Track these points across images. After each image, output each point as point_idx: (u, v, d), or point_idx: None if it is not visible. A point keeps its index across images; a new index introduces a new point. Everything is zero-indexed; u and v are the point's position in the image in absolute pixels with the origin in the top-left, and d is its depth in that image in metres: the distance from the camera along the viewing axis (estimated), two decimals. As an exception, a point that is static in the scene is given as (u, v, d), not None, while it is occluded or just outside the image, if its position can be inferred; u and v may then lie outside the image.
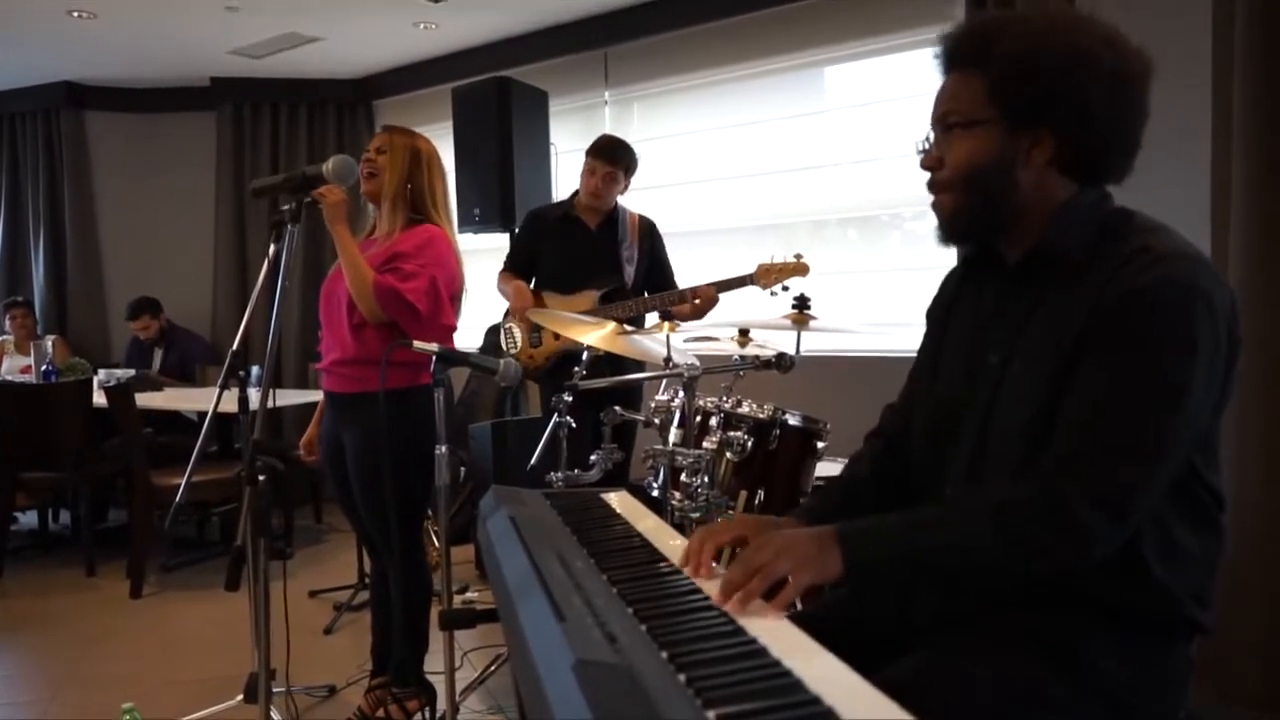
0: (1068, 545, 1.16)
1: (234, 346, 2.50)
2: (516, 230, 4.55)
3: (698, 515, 2.12)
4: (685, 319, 3.62)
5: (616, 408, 2.62)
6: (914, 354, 1.56)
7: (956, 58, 1.32)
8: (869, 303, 4.25)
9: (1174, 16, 2.92)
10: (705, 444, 2.26)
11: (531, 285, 3.74)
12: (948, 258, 1.58)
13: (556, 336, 3.65)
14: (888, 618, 1.41)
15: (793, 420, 2.43)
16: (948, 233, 1.37)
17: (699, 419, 2.38)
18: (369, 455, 2.55)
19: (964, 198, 1.31)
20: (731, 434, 2.30)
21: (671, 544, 1.50)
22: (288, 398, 4.92)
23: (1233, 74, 2.51)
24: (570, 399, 2.71)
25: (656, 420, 2.43)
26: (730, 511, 2.15)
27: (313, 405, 4.54)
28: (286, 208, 2.11)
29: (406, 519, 2.65)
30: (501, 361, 2.02)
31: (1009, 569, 1.19)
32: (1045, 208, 1.30)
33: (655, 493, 2.69)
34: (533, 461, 2.89)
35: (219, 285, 6.44)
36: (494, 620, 1.73)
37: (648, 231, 3.82)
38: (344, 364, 2.65)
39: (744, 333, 3.20)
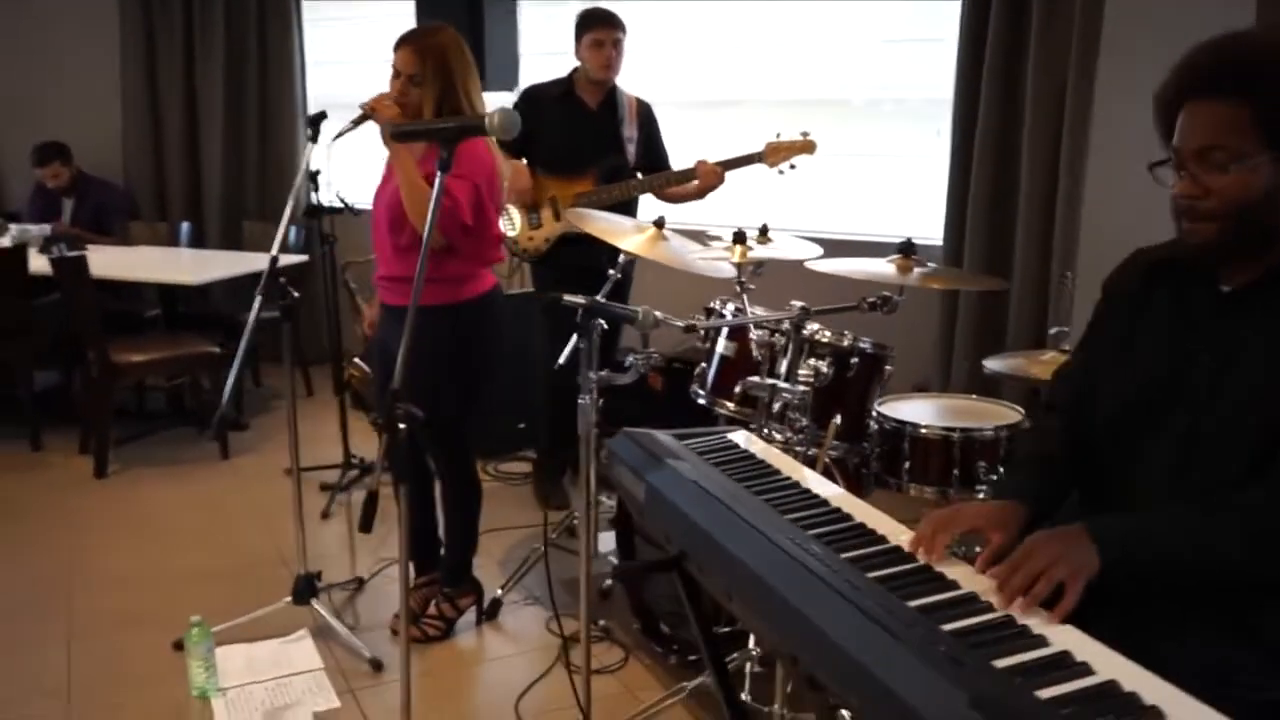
0: None
1: (274, 260, 2.44)
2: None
3: (802, 449, 2.22)
4: (688, 198, 3.61)
5: (657, 313, 2.62)
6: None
7: (1219, 86, 1.31)
8: (877, 189, 4.27)
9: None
10: (802, 373, 2.32)
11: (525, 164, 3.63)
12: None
13: (557, 217, 3.60)
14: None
15: (867, 347, 2.53)
16: (1202, 259, 1.41)
17: (771, 344, 2.44)
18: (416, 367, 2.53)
19: (1230, 230, 1.34)
20: (817, 363, 2.38)
21: (861, 508, 1.58)
22: (216, 267, 4.65)
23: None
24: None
25: (759, 355, 2.47)
26: (821, 439, 2.26)
27: (242, 275, 4.36)
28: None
29: (449, 427, 2.65)
30: (640, 310, 2.00)
31: (1247, 572, 1.34)
32: None
33: (702, 401, 2.78)
34: (560, 361, 2.89)
35: (129, 128, 5.89)
36: (666, 570, 1.80)
37: (645, 114, 3.74)
38: (393, 280, 2.63)
39: (764, 231, 3.23)
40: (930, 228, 3.96)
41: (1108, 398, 1.57)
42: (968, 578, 1.35)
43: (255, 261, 4.70)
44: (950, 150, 3.86)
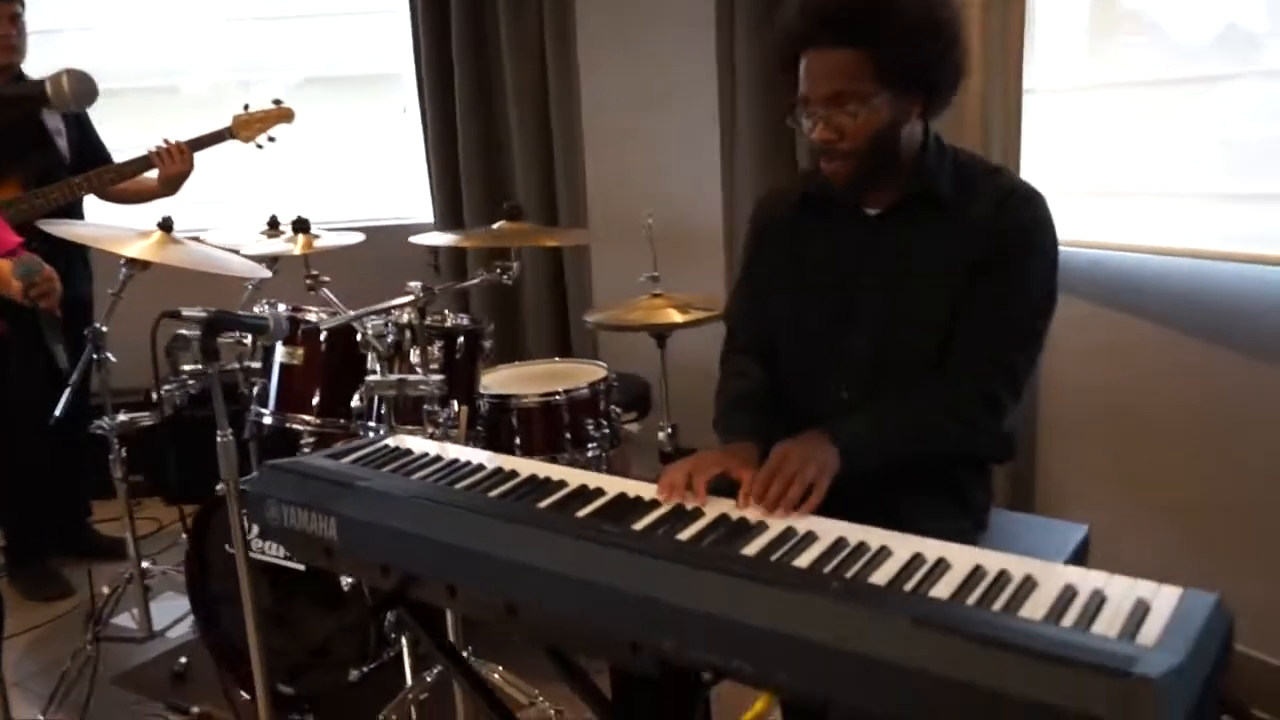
0: (991, 425, 1.55)
1: None
2: None
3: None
4: (150, 195, 3.06)
5: (283, 312, 2.15)
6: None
7: (840, 36, 1.43)
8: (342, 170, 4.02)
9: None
10: (425, 366, 2.07)
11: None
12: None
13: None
14: None
15: (468, 323, 2.36)
16: (850, 193, 1.55)
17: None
18: None
19: (865, 164, 1.49)
20: (428, 349, 2.15)
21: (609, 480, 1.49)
22: None
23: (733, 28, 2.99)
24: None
25: (380, 351, 2.10)
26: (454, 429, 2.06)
27: None
28: None
29: None
30: (269, 316, 1.62)
31: (952, 450, 1.56)
32: (911, 154, 1.54)
33: (268, 420, 2.41)
34: (58, 412, 2.28)
35: None
36: (390, 606, 1.51)
37: None
38: None
39: (273, 224, 2.94)
40: (413, 203, 3.92)
41: (786, 330, 1.67)
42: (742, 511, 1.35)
43: None
44: (426, 122, 3.80)
